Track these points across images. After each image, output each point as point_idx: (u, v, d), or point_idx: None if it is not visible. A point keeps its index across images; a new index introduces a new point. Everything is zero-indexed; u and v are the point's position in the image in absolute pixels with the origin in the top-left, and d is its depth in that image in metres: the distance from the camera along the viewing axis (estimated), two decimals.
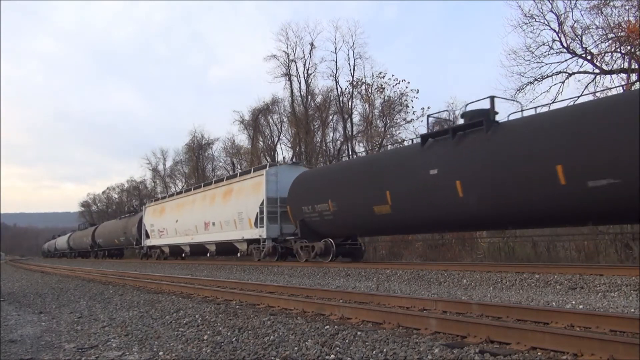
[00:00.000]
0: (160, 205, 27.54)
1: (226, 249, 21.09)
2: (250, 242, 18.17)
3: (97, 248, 41.98)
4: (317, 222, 14.78)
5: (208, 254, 22.49)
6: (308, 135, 32.06)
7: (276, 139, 36.72)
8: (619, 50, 17.18)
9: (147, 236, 28.33)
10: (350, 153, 30.88)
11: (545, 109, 10.53)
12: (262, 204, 17.12)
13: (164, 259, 27.15)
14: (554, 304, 6.44)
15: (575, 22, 17.95)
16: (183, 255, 25.65)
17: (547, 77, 18.64)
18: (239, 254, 20.10)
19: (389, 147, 24.14)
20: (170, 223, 25.01)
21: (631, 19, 16.57)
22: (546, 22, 18.31)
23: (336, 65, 31.14)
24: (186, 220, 23.29)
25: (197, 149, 45.86)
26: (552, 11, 18.20)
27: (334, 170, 16.36)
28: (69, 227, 75.34)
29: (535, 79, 18.76)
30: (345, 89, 31.38)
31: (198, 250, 23.52)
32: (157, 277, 13.50)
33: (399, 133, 28.88)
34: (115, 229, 36.45)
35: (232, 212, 19.10)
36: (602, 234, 14.96)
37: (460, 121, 12.39)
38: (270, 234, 16.96)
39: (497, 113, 10.87)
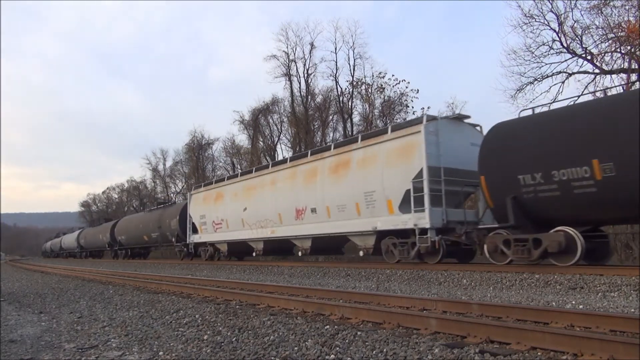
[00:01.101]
0: (216, 190, 21.30)
1: (330, 246, 15.95)
2: (383, 234, 12.95)
3: (117, 247, 35.71)
4: (551, 200, 9.27)
5: (299, 253, 16.30)
6: (308, 135, 32.08)
7: (276, 139, 36.85)
8: (619, 50, 17.20)
9: (195, 230, 22.94)
10: None
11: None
12: (417, 176, 11.63)
13: (218, 259, 21.63)
14: (554, 304, 6.44)
15: (575, 22, 18.03)
16: (254, 254, 19.16)
17: (547, 77, 18.70)
18: (360, 253, 14.01)
19: None
20: (234, 212, 19.28)
21: (631, 19, 16.61)
22: (546, 22, 18.37)
23: (336, 65, 31.21)
24: (262, 207, 17.49)
25: (197, 149, 45.95)
26: (552, 11, 18.26)
27: (606, 107, 9.19)
28: (69, 227, 74.91)
29: (535, 79, 18.81)
30: (345, 89, 31.45)
31: (279, 248, 18.14)
32: (157, 277, 13.50)
33: None
34: (145, 223, 29.96)
35: (351, 191, 13.50)
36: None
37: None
38: (435, 222, 11.45)
39: None
